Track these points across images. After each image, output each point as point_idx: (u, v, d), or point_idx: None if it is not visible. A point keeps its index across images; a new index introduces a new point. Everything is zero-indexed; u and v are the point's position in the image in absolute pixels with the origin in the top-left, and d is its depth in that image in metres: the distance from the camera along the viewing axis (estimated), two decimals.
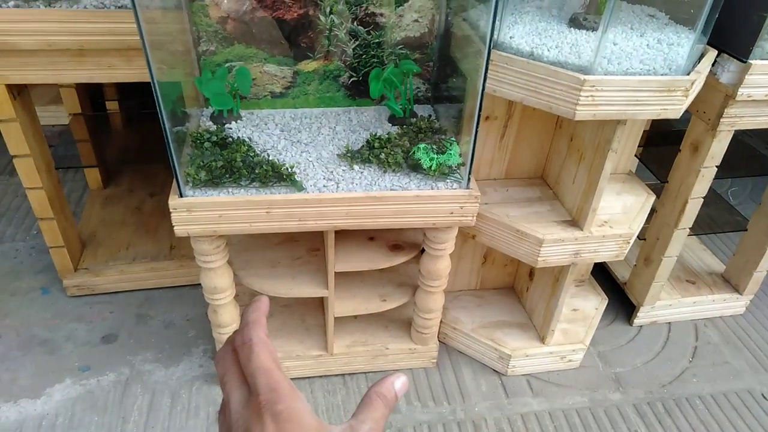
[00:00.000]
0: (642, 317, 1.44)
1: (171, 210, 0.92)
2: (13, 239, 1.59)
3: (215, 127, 1.07)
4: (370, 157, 1.02)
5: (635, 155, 1.30)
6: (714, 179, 1.21)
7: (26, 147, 1.16)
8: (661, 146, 1.43)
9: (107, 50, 1.05)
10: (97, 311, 1.40)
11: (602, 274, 1.54)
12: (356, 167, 1.02)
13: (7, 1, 1.01)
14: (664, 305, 1.43)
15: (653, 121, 1.29)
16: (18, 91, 1.13)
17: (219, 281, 1.03)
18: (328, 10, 1.06)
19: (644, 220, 1.19)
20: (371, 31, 1.09)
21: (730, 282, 1.51)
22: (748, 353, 1.41)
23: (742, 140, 1.49)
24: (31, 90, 1.21)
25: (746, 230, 1.44)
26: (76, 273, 1.40)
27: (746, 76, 1.04)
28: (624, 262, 1.52)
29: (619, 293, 1.50)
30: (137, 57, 1.07)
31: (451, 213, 1.00)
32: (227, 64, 1.09)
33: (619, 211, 1.17)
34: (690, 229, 1.28)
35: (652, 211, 1.32)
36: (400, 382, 0.35)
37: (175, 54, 1.04)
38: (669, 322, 1.48)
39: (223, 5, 1.03)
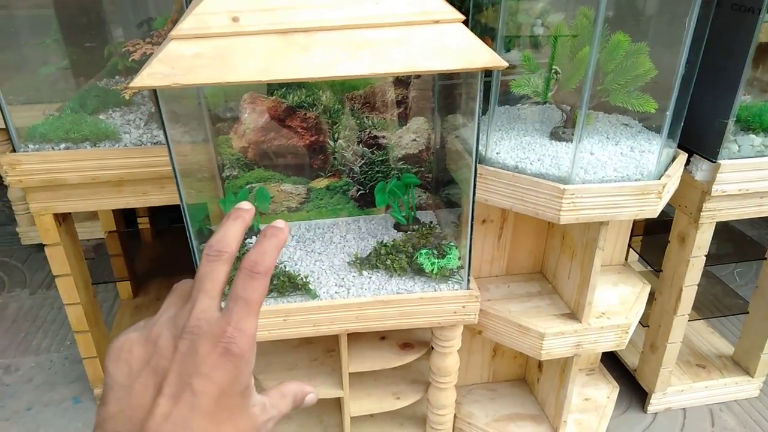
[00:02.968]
0: (655, 404, 1.46)
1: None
2: (48, 351, 1.69)
3: None
4: (378, 263, 1.12)
5: (629, 246, 1.38)
6: (720, 264, 1.28)
7: (67, 267, 1.29)
8: (658, 235, 1.51)
9: (143, 180, 1.19)
10: None
11: (612, 361, 1.57)
12: (365, 273, 1.12)
13: (59, 143, 1.17)
14: (676, 391, 1.45)
15: None
16: (63, 218, 1.27)
17: None
18: (336, 136, 1.20)
19: (642, 309, 1.25)
20: (375, 151, 1.23)
21: (740, 365, 1.53)
22: None
23: (732, 227, 1.57)
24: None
25: (748, 312, 1.48)
26: None
27: (717, 175, 1.14)
28: (633, 348, 1.56)
29: (630, 380, 1.52)
30: (169, 184, 1.21)
31: (454, 312, 1.08)
32: (248, 186, 1.22)
33: (615, 301, 1.24)
34: (694, 312, 1.33)
35: (654, 297, 1.39)
36: (312, 396, 0.36)
37: (202, 180, 1.17)
38: (684, 408, 1.49)
39: (244, 137, 1.17)
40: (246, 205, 0.35)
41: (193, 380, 0.29)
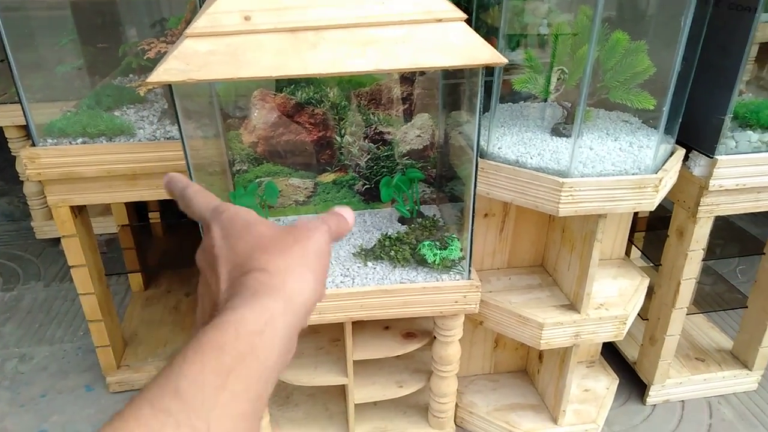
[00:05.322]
0: (654, 396, 1.49)
1: None
2: (62, 341, 1.74)
3: None
4: (382, 255, 1.16)
5: (632, 243, 1.41)
6: (721, 258, 1.31)
7: (83, 258, 1.33)
8: (660, 231, 1.54)
9: (157, 173, 1.23)
10: None
11: (612, 354, 1.60)
12: (369, 264, 1.15)
13: (76, 138, 1.22)
14: (674, 383, 1.48)
15: None
16: (79, 211, 1.31)
17: None
18: (342, 131, 1.24)
19: (641, 302, 1.28)
20: (380, 146, 1.27)
21: (739, 358, 1.55)
22: (764, 430, 1.43)
23: (732, 222, 1.60)
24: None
25: (747, 307, 1.50)
26: (118, 370, 1.53)
27: (715, 170, 1.17)
28: (632, 341, 1.58)
29: (631, 373, 1.55)
30: None
31: (456, 302, 1.11)
32: (257, 180, 1.26)
33: (615, 294, 1.27)
34: (694, 307, 1.36)
35: (653, 291, 1.41)
36: (350, 214, 0.40)
37: (214, 174, 1.22)
38: (682, 400, 1.51)
39: (254, 133, 1.21)
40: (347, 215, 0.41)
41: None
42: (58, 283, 2.00)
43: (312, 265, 0.34)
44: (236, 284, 0.32)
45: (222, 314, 0.29)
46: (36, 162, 1.18)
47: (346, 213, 0.40)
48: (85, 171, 1.20)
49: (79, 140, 1.20)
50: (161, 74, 0.76)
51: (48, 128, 1.21)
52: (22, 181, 2.07)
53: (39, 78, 1.30)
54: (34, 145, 1.20)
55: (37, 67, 1.32)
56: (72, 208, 1.27)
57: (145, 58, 1.19)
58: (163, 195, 1.28)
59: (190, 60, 0.76)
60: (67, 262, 1.34)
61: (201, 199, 0.39)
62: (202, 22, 0.77)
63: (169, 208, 1.90)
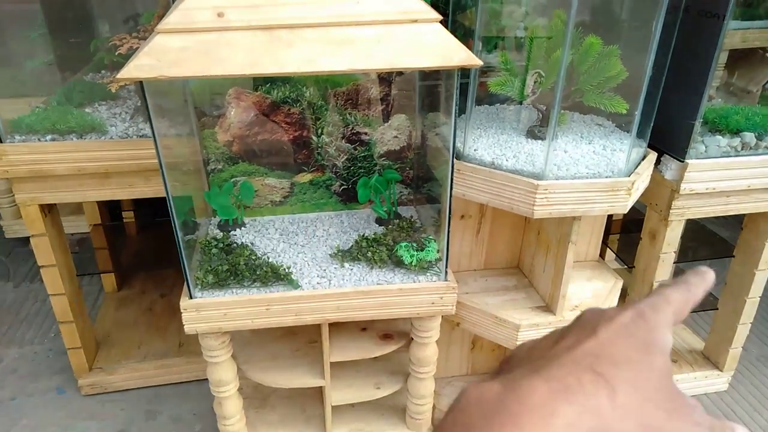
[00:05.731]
0: None
1: (182, 310, 1.04)
2: (32, 342, 1.70)
3: (221, 234, 1.21)
4: (359, 256, 1.15)
5: (606, 245, 1.43)
6: (692, 261, 1.33)
7: (53, 258, 1.30)
8: (634, 234, 1.56)
9: (129, 172, 1.21)
10: (108, 409, 1.47)
11: None
12: (346, 265, 1.15)
13: (45, 135, 1.19)
14: None
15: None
16: (48, 209, 1.29)
17: (224, 374, 1.13)
18: (319, 131, 1.23)
19: (615, 303, 1.29)
20: (357, 147, 1.26)
21: (710, 359, 1.58)
22: None
23: (703, 225, 1.63)
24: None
25: (717, 309, 1.53)
26: (90, 372, 1.50)
27: (686, 173, 1.19)
28: None
29: None
30: (154, 176, 1.23)
31: (432, 303, 1.11)
32: (233, 179, 1.25)
33: (589, 295, 1.28)
34: None
35: (626, 293, 1.43)
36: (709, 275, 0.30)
37: (188, 173, 1.20)
38: None
39: (229, 131, 1.20)
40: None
41: None
42: (28, 283, 1.95)
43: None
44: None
45: None
46: (3, 159, 1.15)
47: (708, 276, 0.31)
48: (55, 168, 1.18)
49: (49, 137, 1.18)
50: (132, 70, 0.75)
51: (16, 124, 1.18)
52: None
53: (6, 73, 1.27)
54: (1, 141, 1.17)
55: (5, 61, 1.29)
56: (41, 206, 1.25)
57: (117, 54, 1.17)
58: (135, 194, 1.26)
59: (162, 56, 0.74)
60: (37, 261, 1.31)
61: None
62: (174, 18, 0.76)
63: (142, 207, 1.87)
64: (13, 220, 2.07)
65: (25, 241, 2.09)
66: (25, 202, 1.21)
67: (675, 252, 1.32)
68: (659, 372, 0.25)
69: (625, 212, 1.10)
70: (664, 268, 1.32)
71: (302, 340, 1.29)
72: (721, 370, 1.55)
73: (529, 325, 1.18)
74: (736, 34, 1.28)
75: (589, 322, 0.28)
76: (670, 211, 1.25)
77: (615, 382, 0.24)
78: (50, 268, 1.32)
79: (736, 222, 2.19)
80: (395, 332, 1.25)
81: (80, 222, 2.02)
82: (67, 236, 1.60)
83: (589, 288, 1.30)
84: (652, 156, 1.19)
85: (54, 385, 1.54)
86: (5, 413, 1.46)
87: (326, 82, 1.21)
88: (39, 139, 1.18)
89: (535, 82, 1.13)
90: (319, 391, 1.40)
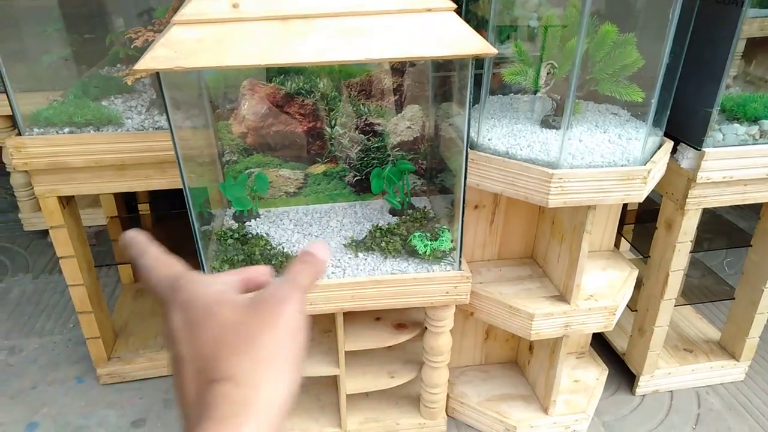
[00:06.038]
0: (643, 386, 1.50)
1: None
2: (52, 333, 1.73)
3: (237, 225, 1.22)
4: (373, 246, 1.16)
5: (621, 235, 1.42)
6: (708, 251, 1.31)
7: (71, 249, 1.32)
8: (649, 224, 1.55)
9: (145, 164, 1.23)
10: (127, 397, 1.50)
11: (602, 345, 1.61)
12: (360, 255, 1.15)
13: (63, 128, 1.20)
14: (663, 374, 1.50)
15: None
16: (67, 201, 1.30)
17: None
18: (333, 122, 1.24)
19: (629, 293, 1.29)
20: (371, 138, 1.26)
21: (727, 349, 1.57)
22: (751, 419, 1.45)
23: (720, 215, 1.61)
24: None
25: (734, 299, 1.52)
26: (109, 362, 1.52)
27: (702, 162, 1.18)
28: (622, 332, 1.60)
29: (620, 364, 1.56)
30: (171, 168, 1.24)
31: (446, 293, 1.11)
32: (247, 171, 1.25)
33: (604, 285, 1.27)
34: (682, 299, 1.37)
35: (642, 283, 1.43)
36: (324, 250, 0.36)
37: (203, 164, 1.21)
38: (671, 391, 1.53)
39: (244, 123, 1.21)
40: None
41: None
42: (47, 275, 1.98)
43: (286, 353, 0.31)
44: (202, 398, 0.29)
45: None
46: (22, 151, 1.16)
47: (320, 250, 0.36)
48: (73, 161, 1.19)
49: (66, 130, 1.19)
50: (148, 62, 0.75)
51: (34, 117, 1.20)
52: (9, 173, 2.05)
53: (25, 67, 1.29)
54: (20, 134, 1.18)
55: (22, 56, 1.30)
56: (60, 198, 1.26)
57: (132, 47, 1.18)
58: (152, 186, 1.28)
59: (178, 48, 0.75)
60: (56, 253, 1.33)
61: (159, 271, 0.34)
62: (189, 9, 0.76)
63: (158, 199, 1.89)
64: (32, 213, 2.10)
65: (44, 233, 2.12)
66: (44, 194, 1.23)
67: (691, 242, 1.30)
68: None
69: (641, 201, 1.09)
70: (680, 258, 1.31)
71: (317, 329, 1.30)
72: (738, 360, 1.53)
73: (544, 315, 1.18)
74: (755, 21, 1.26)
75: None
76: (687, 200, 1.23)
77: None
78: (69, 259, 1.34)
79: (753, 212, 2.17)
80: (409, 322, 1.25)
81: (97, 215, 2.05)
82: (85, 229, 1.62)
83: (604, 277, 1.30)
84: (668, 144, 1.18)
85: (73, 375, 1.57)
86: (26, 402, 1.49)
87: (339, 73, 1.21)
88: (57, 132, 1.19)
89: (548, 74, 1.13)
90: (333, 380, 1.41)
